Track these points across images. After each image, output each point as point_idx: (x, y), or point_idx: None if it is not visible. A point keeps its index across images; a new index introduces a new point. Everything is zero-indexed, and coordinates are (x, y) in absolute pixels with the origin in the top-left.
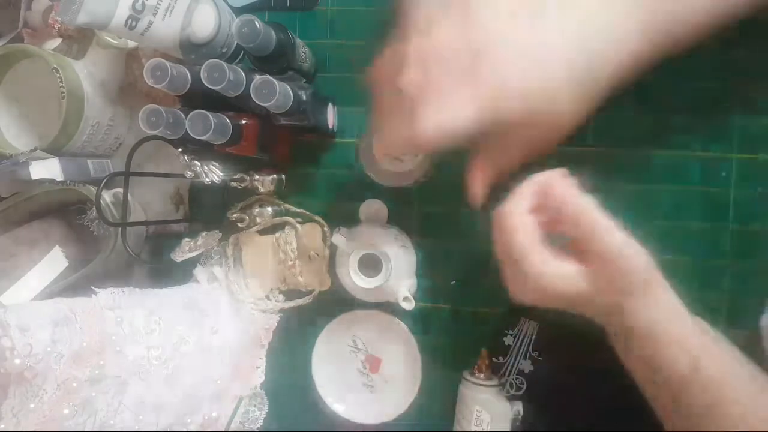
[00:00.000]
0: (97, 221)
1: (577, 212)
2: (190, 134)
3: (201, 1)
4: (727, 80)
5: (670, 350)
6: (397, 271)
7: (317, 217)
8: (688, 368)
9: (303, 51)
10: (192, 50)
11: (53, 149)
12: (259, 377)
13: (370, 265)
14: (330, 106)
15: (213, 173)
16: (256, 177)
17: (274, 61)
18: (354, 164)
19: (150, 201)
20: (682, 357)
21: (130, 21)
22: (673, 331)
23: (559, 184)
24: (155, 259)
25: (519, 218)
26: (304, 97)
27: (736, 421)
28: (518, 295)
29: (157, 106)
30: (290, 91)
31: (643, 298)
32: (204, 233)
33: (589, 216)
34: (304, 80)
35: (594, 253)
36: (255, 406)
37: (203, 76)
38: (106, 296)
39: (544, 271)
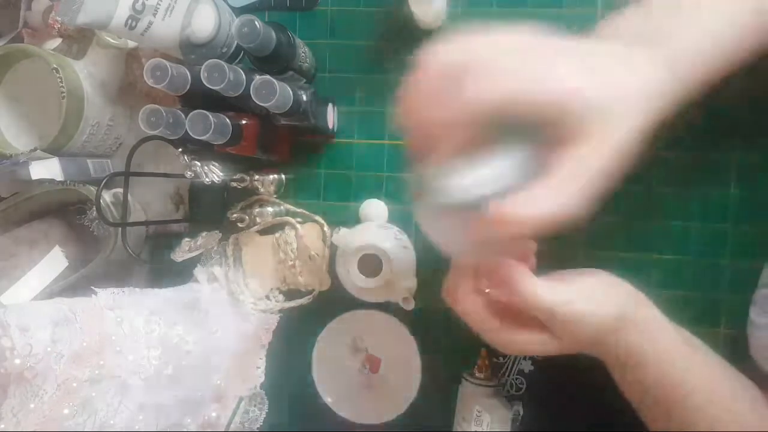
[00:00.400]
0: (97, 221)
1: (521, 295)
2: (190, 134)
3: (201, 1)
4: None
5: (656, 372)
6: (397, 271)
7: (317, 217)
8: (676, 389)
9: (303, 51)
10: (192, 50)
11: (53, 149)
12: (259, 377)
13: (370, 265)
14: (330, 106)
15: (213, 173)
16: (256, 177)
17: (274, 61)
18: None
19: (150, 201)
20: (669, 378)
21: (130, 21)
22: (659, 351)
23: (491, 266)
24: (155, 259)
25: (465, 303)
26: (304, 97)
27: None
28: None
29: (157, 106)
30: (290, 91)
31: (622, 332)
32: (204, 233)
33: (533, 298)
34: (304, 80)
35: (554, 327)
36: (255, 406)
37: (203, 76)
38: (106, 296)
39: (511, 342)
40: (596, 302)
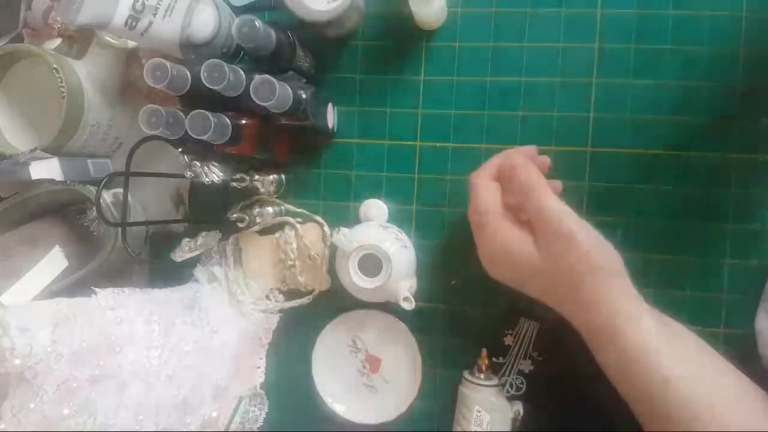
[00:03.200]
0: (97, 221)
1: (527, 184)
2: (190, 134)
3: (201, 1)
4: (731, 82)
5: (630, 353)
6: (397, 271)
7: (317, 217)
8: (650, 374)
9: (303, 51)
10: (192, 50)
11: (53, 149)
12: (259, 377)
13: (370, 265)
14: (330, 106)
15: (213, 173)
16: (256, 177)
17: (274, 61)
18: None
19: (150, 201)
20: (650, 365)
21: (130, 21)
22: (628, 330)
23: (515, 158)
24: (155, 259)
25: (484, 182)
26: (304, 97)
27: (713, 423)
28: (484, 259)
29: (157, 106)
30: (290, 91)
31: (595, 291)
32: (204, 233)
33: (535, 187)
34: (304, 80)
35: (545, 234)
36: (255, 406)
37: (203, 76)
38: (106, 296)
39: (501, 229)
40: (599, 245)
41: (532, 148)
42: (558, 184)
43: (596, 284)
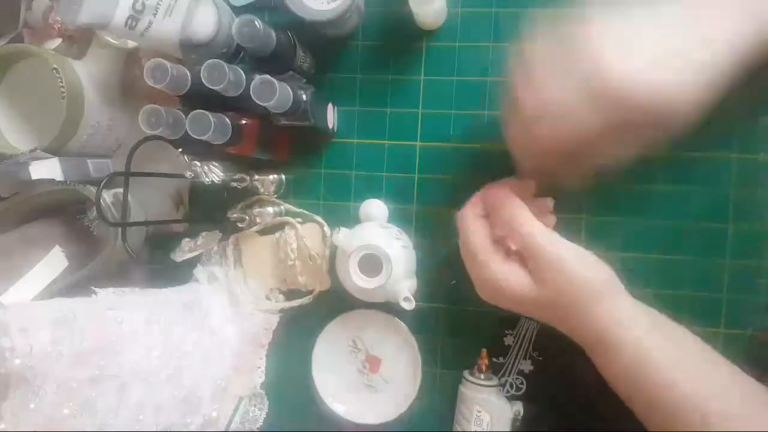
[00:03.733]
0: (97, 221)
1: (509, 216)
2: (190, 134)
3: (201, 1)
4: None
5: (625, 362)
6: (397, 271)
7: (317, 217)
8: (650, 380)
9: (303, 51)
10: (192, 50)
11: (53, 149)
12: (259, 377)
13: (370, 265)
14: (330, 106)
15: (213, 173)
16: (256, 177)
17: (274, 61)
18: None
19: (150, 201)
20: (642, 369)
21: (130, 21)
22: (628, 342)
23: (496, 193)
24: (155, 259)
25: (471, 221)
26: (304, 97)
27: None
28: (481, 293)
29: (157, 106)
30: (290, 91)
31: (589, 308)
32: (204, 233)
33: (518, 219)
34: (304, 80)
35: (538, 268)
36: (255, 406)
37: (203, 76)
38: (106, 296)
39: (492, 269)
40: (587, 264)
41: (514, 180)
42: (548, 202)
43: (586, 304)
